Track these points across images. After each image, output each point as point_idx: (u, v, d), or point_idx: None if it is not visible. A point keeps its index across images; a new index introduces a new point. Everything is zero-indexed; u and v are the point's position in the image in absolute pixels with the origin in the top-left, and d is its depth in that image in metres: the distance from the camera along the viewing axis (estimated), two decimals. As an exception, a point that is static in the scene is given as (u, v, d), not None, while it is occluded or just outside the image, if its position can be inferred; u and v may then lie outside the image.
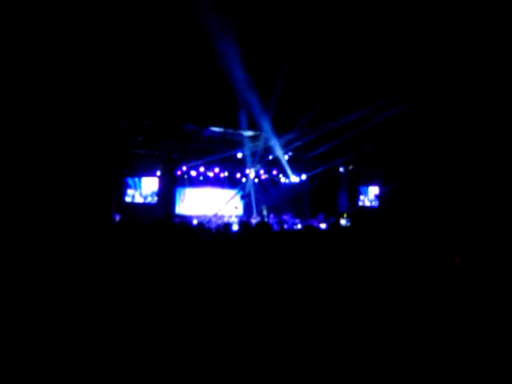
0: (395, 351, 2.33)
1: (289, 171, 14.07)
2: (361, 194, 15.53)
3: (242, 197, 14.23)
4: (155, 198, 12.72)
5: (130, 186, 12.40)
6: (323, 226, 12.42)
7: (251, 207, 14.52)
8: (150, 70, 9.43)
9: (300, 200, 15.43)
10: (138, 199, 12.57)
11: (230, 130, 12.29)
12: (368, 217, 14.76)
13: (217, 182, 14.29)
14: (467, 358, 2.20)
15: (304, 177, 14.93)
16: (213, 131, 12.46)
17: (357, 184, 15.44)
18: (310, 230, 3.55)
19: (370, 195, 15.60)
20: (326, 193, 15.35)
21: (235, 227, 12.01)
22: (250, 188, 14.45)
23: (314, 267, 3.02)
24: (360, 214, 14.58)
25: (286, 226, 13.09)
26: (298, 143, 12.71)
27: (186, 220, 12.41)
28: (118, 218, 10.50)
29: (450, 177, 10.36)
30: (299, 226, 12.84)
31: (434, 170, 10.95)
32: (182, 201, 13.97)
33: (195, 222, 12.12)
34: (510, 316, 2.37)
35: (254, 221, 12.68)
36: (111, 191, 10.98)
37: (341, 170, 15.00)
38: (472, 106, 9.38)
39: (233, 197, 13.79)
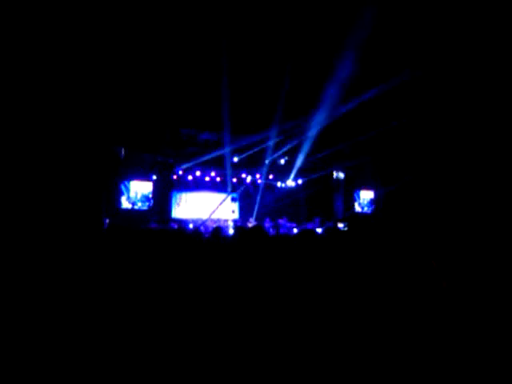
0: (390, 352, 2.35)
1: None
2: (355, 199, 15.59)
3: (233, 199, 14.15)
4: (146, 204, 12.54)
5: (123, 192, 12.22)
6: (319, 230, 12.42)
7: (250, 211, 14.53)
8: (145, 75, 9.46)
9: (296, 204, 15.44)
10: (127, 205, 12.25)
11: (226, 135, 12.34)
12: (364, 221, 14.80)
13: (213, 186, 14.28)
14: (460, 356, 2.22)
15: (300, 181, 14.96)
16: (209, 136, 12.51)
17: (353, 188, 15.49)
18: (308, 234, 3.56)
19: (361, 200, 15.64)
20: (322, 197, 15.38)
21: (231, 231, 12.02)
22: (241, 190, 14.43)
23: (312, 271, 3.03)
24: (357, 219, 14.61)
25: (281, 230, 13.09)
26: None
27: (182, 224, 12.40)
28: (108, 223, 10.45)
29: (442, 181, 10.46)
30: (295, 230, 12.83)
31: (427, 175, 11.04)
32: (178, 205, 13.95)
33: (191, 226, 12.13)
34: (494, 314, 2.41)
35: (250, 225, 12.66)
36: (103, 195, 10.97)
37: (340, 175, 15.03)
38: (463, 115, 9.50)
39: (224, 199, 13.69)
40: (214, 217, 13.76)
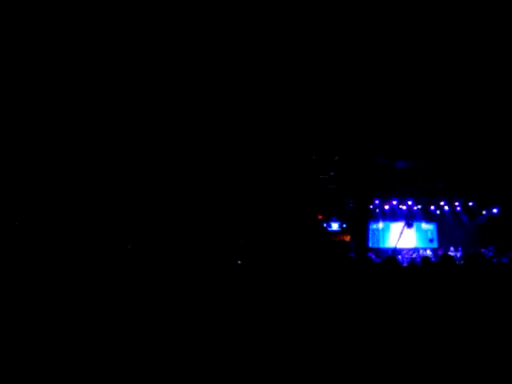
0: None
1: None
2: None
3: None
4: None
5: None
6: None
7: (446, 240, 14.01)
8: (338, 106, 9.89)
9: (501, 232, 14.13)
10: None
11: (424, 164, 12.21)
12: None
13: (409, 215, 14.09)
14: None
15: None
16: (406, 164, 12.46)
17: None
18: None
19: None
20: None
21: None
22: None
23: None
24: None
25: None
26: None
27: (381, 254, 12.62)
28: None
29: None
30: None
31: None
32: (376, 235, 14.16)
33: (390, 255, 12.23)
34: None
35: (452, 254, 12.25)
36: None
37: None
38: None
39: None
40: (411, 246, 13.62)
